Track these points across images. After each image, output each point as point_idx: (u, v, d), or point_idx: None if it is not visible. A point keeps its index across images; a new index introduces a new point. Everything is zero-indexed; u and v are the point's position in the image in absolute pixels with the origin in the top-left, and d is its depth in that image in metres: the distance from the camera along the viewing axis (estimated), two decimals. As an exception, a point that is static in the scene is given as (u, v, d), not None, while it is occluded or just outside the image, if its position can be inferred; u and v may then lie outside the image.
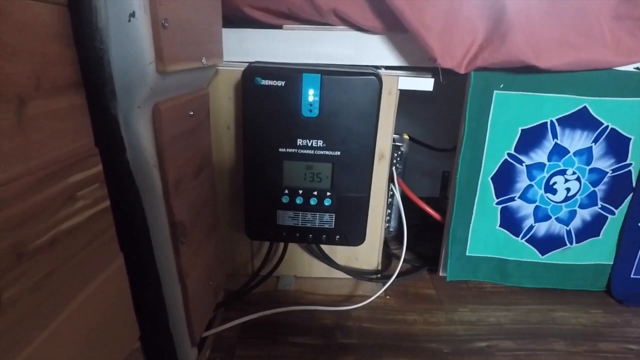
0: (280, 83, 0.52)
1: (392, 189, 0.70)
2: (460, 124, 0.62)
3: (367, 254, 0.72)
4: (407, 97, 0.65)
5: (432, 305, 0.67)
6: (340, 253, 0.71)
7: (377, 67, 0.61)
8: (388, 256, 0.79)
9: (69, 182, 0.30)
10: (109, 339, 0.37)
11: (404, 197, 0.70)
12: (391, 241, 0.84)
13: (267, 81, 0.52)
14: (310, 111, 0.53)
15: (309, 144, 0.55)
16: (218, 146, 0.61)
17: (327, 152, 0.55)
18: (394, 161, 0.72)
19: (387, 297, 0.69)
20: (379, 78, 0.53)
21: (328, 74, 0.52)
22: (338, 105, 0.53)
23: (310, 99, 0.53)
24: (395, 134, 0.71)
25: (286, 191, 0.58)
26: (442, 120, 0.96)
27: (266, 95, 0.53)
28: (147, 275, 0.44)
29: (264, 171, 0.57)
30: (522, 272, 0.69)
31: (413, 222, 0.87)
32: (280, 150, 0.55)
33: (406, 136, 0.75)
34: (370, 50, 0.60)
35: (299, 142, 0.55)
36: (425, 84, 0.60)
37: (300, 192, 0.58)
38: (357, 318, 0.63)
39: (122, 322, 0.39)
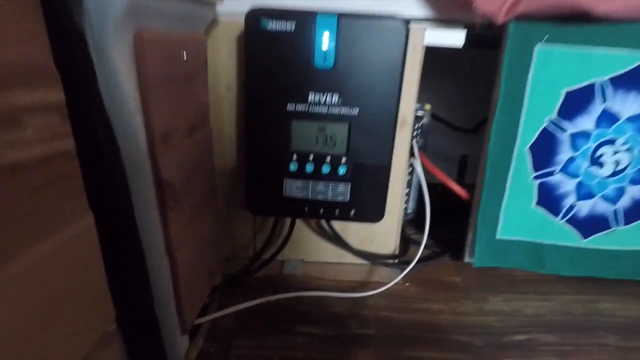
0: (290, 27, 0.44)
1: (411, 164, 0.62)
2: (495, 87, 0.54)
3: (383, 236, 0.64)
4: (429, 71, 0.57)
5: (458, 293, 0.59)
6: (353, 234, 0.63)
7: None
8: (405, 241, 0.71)
9: (10, 99, 0.23)
10: (72, 315, 0.29)
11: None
12: (407, 226, 0.76)
13: (274, 24, 0.44)
14: (325, 61, 0.45)
15: (323, 100, 0.47)
16: (217, 110, 0.54)
17: (343, 110, 0.47)
18: (415, 133, 0.64)
19: (407, 284, 0.61)
20: (405, 23, 0.45)
21: (346, 16, 0.44)
22: (357, 54, 0.45)
23: (325, 46, 0.45)
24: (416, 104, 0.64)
25: (294, 157, 0.50)
26: (465, 100, 0.88)
27: (273, 42, 0.45)
28: (126, 243, 0.36)
29: (268, 133, 0.49)
30: (560, 258, 0.61)
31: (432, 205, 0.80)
32: (288, 107, 0.47)
33: (428, 106, 0.67)
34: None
35: (311, 97, 0.47)
36: (456, 37, 0.53)
37: (311, 158, 0.50)
38: (373, 306, 0.55)
39: (92, 297, 0.32)
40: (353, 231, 0.63)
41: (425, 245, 0.71)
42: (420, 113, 0.65)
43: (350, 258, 0.65)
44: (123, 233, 0.36)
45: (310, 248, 0.64)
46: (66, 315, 0.28)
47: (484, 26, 0.53)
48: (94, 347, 0.32)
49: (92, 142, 0.32)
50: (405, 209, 0.73)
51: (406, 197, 0.71)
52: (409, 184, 0.70)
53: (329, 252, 0.65)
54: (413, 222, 0.77)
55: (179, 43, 0.40)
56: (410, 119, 0.56)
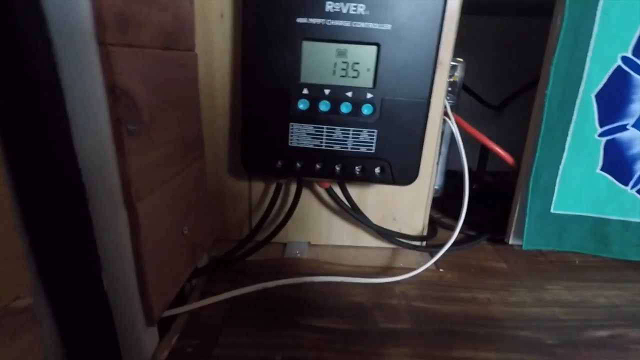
0: None
1: (449, 124, 0.51)
2: (556, 13, 0.43)
3: (409, 213, 0.51)
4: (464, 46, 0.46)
5: (507, 281, 0.47)
6: (371, 211, 0.50)
7: None
8: (430, 224, 0.59)
9: None
10: None
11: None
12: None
13: None
14: (348, -45, 0.34)
15: (344, 11, 0.35)
16: (207, 40, 0.42)
17: (370, 25, 0.36)
18: (448, 88, 0.52)
19: (441, 270, 0.48)
20: None
21: None
22: (391, -54, 0.34)
23: None
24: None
25: (305, 91, 0.38)
26: (494, 76, 0.77)
27: None
28: (59, 176, 0.24)
29: (271, 59, 0.37)
30: (629, 239, 0.49)
31: (451, 191, 0.68)
32: (298, 20, 0.36)
33: (461, 59, 0.56)
34: None
35: (329, 5, 0.35)
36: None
37: (327, 92, 0.38)
38: (403, 295, 0.43)
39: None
40: (371, 207, 0.50)
41: (453, 227, 0.60)
42: (454, 63, 0.54)
43: (367, 241, 0.53)
44: (52, 160, 0.23)
45: (318, 228, 0.52)
46: None
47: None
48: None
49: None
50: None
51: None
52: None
53: (342, 234, 0.52)
54: (439, 203, 0.65)
55: None
56: (447, 62, 0.45)
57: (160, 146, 0.32)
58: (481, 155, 0.80)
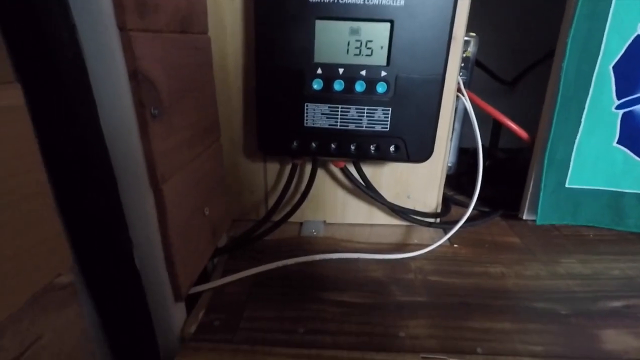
0: None
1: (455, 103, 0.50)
2: (572, -16, 0.42)
3: (423, 191, 0.52)
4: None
5: (521, 255, 0.47)
6: (385, 189, 0.51)
7: None
8: (443, 201, 0.59)
9: None
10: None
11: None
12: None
13: None
14: None
15: (357, -12, 0.35)
16: (218, 25, 0.42)
17: (384, 1, 0.36)
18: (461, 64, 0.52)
19: (455, 245, 0.49)
20: None
21: None
22: None
23: None
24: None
25: (319, 70, 0.38)
26: (508, 49, 0.75)
27: None
28: (91, 160, 0.25)
29: (284, 39, 0.37)
30: (645, 211, 0.49)
31: (464, 169, 0.68)
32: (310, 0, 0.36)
33: (474, 34, 0.55)
34: None
35: (342, -17, 0.35)
36: None
37: (341, 71, 0.38)
38: (418, 270, 0.44)
39: (37, 224, 0.20)
40: (385, 185, 0.51)
41: (466, 203, 0.60)
42: (467, 38, 0.53)
43: (381, 218, 0.54)
44: (82, 145, 0.25)
45: (333, 207, 0.53)
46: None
47: None
48: (30, 305, 0.20)
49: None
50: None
51: (445, 147, 0.60)
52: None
53: (356, 212, 0.53)
54: (451, 180, 0.65)
55: None
56: (460, 37, 0.44)
57: (181, 130, 0.32)
58: (493, 132, 0.79)
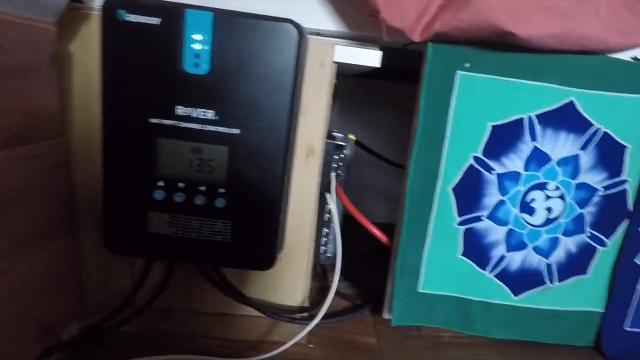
0: (155, 20, 0.36)
1: (328, 201, 0.53)
2: (414, 115, 0.47)
3: (289, 285, 0.53)
4: (360, 101, 0.50)
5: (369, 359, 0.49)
6: (253, 283, 0.52)
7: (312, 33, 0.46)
8: (324, 290, 0.61)
9: None
10: None
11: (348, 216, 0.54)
12: (330, 271, 0.66)
13: (135, 16, 0.36)
14: (197, 65, 0.37)
15: (195, 115, 0.38)
16: (87, 117, 0.43)
17: (221, 129, 0.38)
18: (335, 165, 0.56)
19: (310, 345, 0.50)
20: (297, 27, 0.37)
21: (225, 14, 0.36)
22: (238, 59, 0.37)
23: (197, 46, 0.36)
24: (339, 133, 0.56)
25: (161, 183, 0.40)
26: (401, 133, 0.81)
27: (134, 38, 0.36)
28: None
29: (129, 151, 0.39)
30: (490, 318, 0.53)
31: (361, 248, 0.71)
32: (151, 120, 0.38)
33: (352, 137, 0.60)
34: (302, 7, 0.45)
35: (179, 110, 0.38)
36: (371, 57, 0.46)
37: (182, 185, 0.40)
38: (261, 376, 0.44)
39: None
40: (253, 279, 0.52)
41: (348, 296, 0.62)
42: (341, 142, 0.57)
43: (250, 309, 0.54)
44: None
45: (200, 294, 0.53)
46: None
47: (402, 45, 0.47)
48: None
49: None
50: (325, 251, 0.63)
51: (325, 239, 0.62)
52: (329, 224, 0.61)
53: (226, 301, 0.53)
54: (344, 265, 0.67)
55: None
56: (318, 149, 0.48)
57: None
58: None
